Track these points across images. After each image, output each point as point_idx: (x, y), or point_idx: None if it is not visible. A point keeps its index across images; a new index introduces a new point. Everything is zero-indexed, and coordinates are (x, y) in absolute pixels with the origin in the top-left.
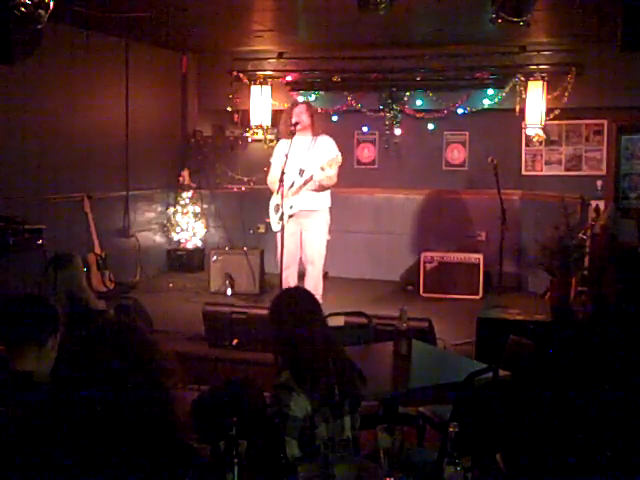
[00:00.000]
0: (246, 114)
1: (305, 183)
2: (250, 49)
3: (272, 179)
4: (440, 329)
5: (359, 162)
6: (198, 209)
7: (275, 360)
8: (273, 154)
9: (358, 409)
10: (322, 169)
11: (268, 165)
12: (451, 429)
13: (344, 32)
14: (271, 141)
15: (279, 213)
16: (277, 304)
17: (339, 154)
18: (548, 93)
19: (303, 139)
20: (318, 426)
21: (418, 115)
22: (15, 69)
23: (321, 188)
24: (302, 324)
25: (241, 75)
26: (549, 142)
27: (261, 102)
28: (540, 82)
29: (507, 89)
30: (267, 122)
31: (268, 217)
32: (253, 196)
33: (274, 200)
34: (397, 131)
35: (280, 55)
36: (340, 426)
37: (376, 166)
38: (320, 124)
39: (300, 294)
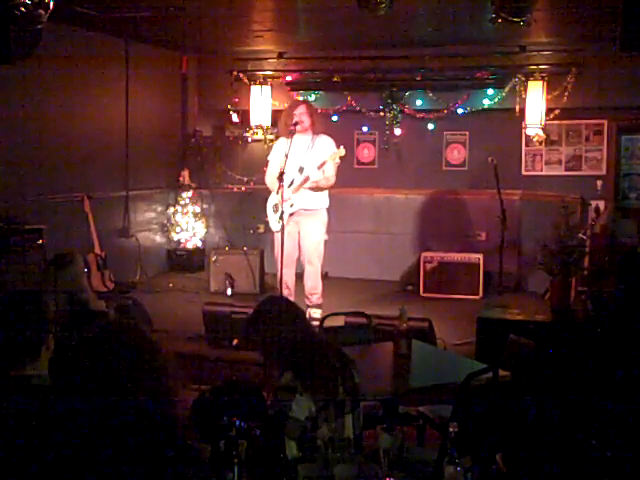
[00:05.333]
0: (246, 114)
1: (304, 181)
2: (250, 49)
3: (270, 178)
4: (440, 329)
5: (359, 162)
6: (198, 209)
7: (264, 363)
8: (271, 152)
9: (360, 407)
10: (324, 163)
11: (267, 164)
12: (451, 429)
13: (344, 32)
14: (271, 141)
15: (278, 212)
16: (258, 314)
17: (342, 147)
18: (548, 93)
19: (303, 138)
20: (320, 427)
21: (418, 115)
22: (15, 69)
23: (319, 188)
24: (286, 327)
25: (241, 75)
26: (549, 142)
27: (261, 102)
28: (540, 82)
29: (507, 89)
30: (267, 122)
31: (266, 217)
32: (253, 196)
33: (272, 199)
34: (397, 131)
35: (280, 55)
36: (341, 425)
37: (376, 166)
38: (320, 124)
39: (278, 301)
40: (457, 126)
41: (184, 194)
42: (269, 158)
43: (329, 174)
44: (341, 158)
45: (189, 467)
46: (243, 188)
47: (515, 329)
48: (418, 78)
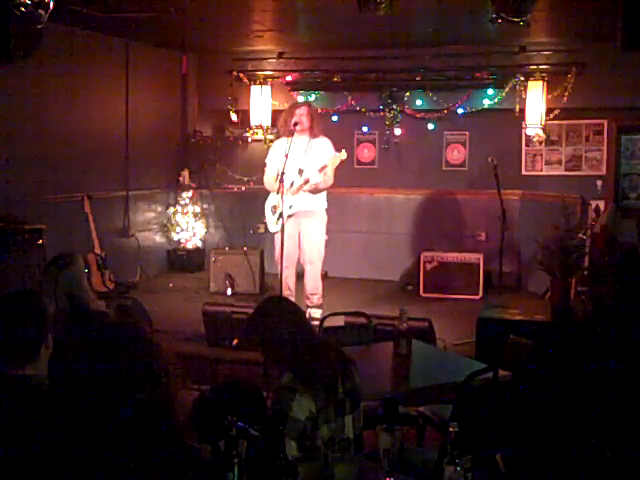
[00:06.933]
0: (246, 114)
1: (304, 184)
2: (250, 49)
3: (269, 180)
4: (440, 329)
5: (359, 162)
6: (198, 209)
7: (264, 363)
8: (268, 155)
9: (360, 407)
10: (325, 167)
11: (265, 166)
12: (451, 429)
13: (344, 32)
14: (271, 141)
15: (277, 214)
16: (258, 314)
17: (343, 150)
18: (548, 93)
19: (301, 139)
20: (320, 427)
21: (418, 115)
22: (15, 69)
23: (317, 190)
24: (287, 326)
25: (241, 75)
26: (549, 142)
27: (261, 102)
28: (540, 82)
29: (507, 89)
30: (267, 122)
31: (265, 218)
32: (253, 196)
33: (270, 201)
34: (397, 131)
35: (280, 55)
36: (341, 425)
37: (376, 166)
38: (319, 127)
39: (278, 301)
40: (457, 126)
41: (184, 194)
42: (267, 161)
43: (328, 176)
44: (342, 161)
45: (189, 467)
46: (243, 188)
47: (515, 329)
48: (418, 78)
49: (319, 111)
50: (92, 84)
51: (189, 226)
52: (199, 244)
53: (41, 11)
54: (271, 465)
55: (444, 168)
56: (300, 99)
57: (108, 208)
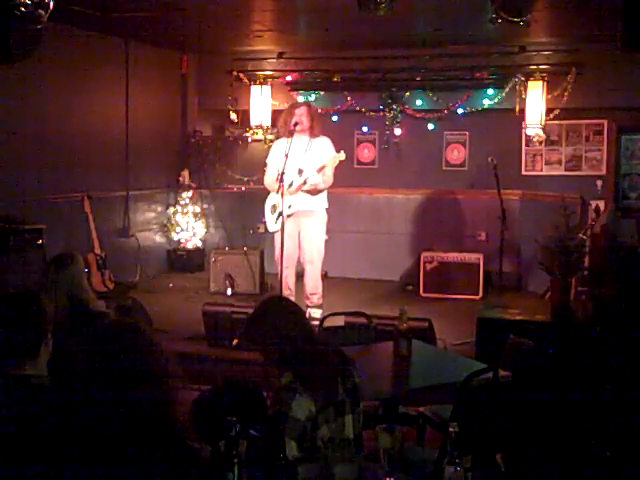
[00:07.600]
0: (246, 114)
1: (303, 184)
2: (250, 49)
3: (269, 180)
4: (440, 329)
5: (359, 162)
6: (198, 209)
7: (264, 363)
8: (269, 155)
9: (360, 407)
10: (324, 167)
11: (266, 166)
12: (451, 429)
13: (344, 32)
14: (271, 141)
15: (276, 213)
16: (258, 314)
17: (342, 152)
18: (548, 93)
19: (301, 139)
20: (320, 427)
21: (418, 115)
22: (15, 69)
23: (317, 191)
24: (288, 327)
25: (241, 75)
26: (549, 142)
27: (261, 102)
28: (540, 82)
29: (507, 89)
30: (267, 122)
31: (264, 218)
32: (253, 196)
33: (270, 200)
34: (397, 131)
35: (280, 55)
36: (341, 425)
37: (376, 166)
38: (319, 127)
39: (279, 300)
40: (457, 126)
41: (184, 194)
42: (267, 161)
43: (327, 176)
44: (341, 161)
45: (189, 467)
46: (243, 188)
47: (515, 329)
48: (418, 78)
49: (319, 111)
50: (92, 84)
51: (189, 226)
52: (199, 244)
53: (41, 11)
54: (271, 465)
55: (444, 168)
56: (300, 99)
57: (108, 208)
